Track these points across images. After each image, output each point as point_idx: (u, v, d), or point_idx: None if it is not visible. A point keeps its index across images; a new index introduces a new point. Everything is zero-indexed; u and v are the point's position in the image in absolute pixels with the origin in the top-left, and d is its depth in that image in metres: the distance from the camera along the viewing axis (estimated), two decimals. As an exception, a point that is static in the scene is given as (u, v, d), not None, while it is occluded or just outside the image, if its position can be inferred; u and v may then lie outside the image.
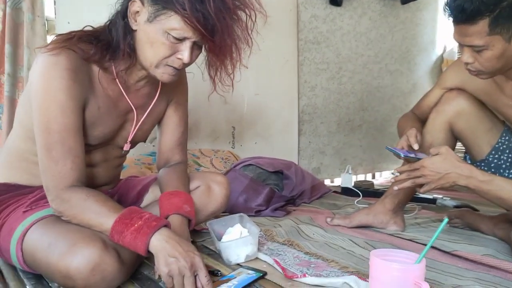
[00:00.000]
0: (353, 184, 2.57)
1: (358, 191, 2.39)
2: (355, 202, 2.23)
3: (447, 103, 1.61)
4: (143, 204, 1.44)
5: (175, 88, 1.40)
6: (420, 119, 1.72)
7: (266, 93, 2.59)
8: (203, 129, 2.37)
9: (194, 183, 1.42)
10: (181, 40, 1.09)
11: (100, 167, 1.32)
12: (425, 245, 1.48)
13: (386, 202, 1.72)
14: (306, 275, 1.18)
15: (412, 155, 1.41)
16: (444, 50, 3.51)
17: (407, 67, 3.30)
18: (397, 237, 1.64)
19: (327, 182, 2.94)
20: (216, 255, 1.39)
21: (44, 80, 1.08)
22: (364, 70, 3.06)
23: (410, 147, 1.46)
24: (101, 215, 1.07)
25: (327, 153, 2.91)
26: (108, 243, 1.05)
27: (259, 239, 1.43)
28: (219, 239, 1.38)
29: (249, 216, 1.90)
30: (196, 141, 2.34)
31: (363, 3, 2.98)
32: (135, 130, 1.32)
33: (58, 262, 1.01)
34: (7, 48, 1.86)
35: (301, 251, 1.42)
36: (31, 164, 1.21)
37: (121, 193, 1.46)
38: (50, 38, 1.99)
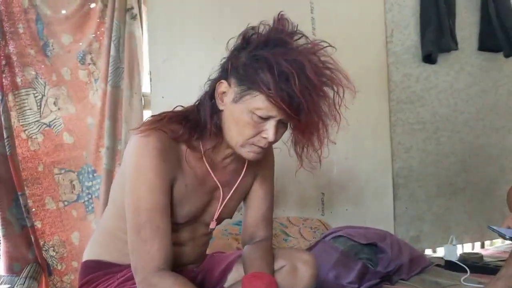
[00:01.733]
0: (458, 256, 2.30)
1: (464, 266, 2.14)
2: (462, 280, 1.98)
3: None
4: (227, 284, 1.39)
5: (261, 162, 1.38)
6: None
7: (357, 156, 2.48)
8: (290, 195, 2.31)
9: (279, 263, 1.34)
10: (266, 119, 1.08)
11: (187, 246, 1.31)
12: None
13: (498, 286, 1.50)
14: None
15: None
16: (559, 103, 3.15)
17: (516, 124, 3.00)
18: (516, 330, 1.41)
19: (428, 252, 2.68)
20: None
21: (136, 160, 1.11)
22: (465, 128, 2.83)
23: None
24: None
25: (427, 219, 2.67)
26: None
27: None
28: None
29: (340, 294, 1.78)
30: (284, 208, 2.28)
31: (460, 59, 2.80)
32: (222, 207, 1.30)
33: None
34: (106, 123, 2.00)
35: None
36: (121, 242, 1.23)
37: (206, 271, 1.43)
38: (146, 113, 2.11)
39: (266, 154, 1.37)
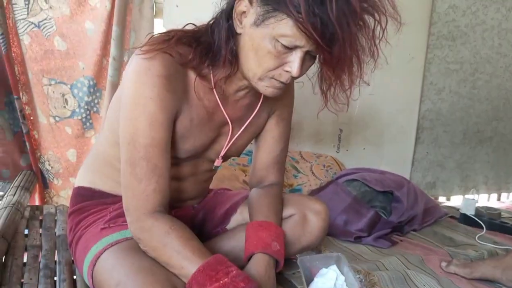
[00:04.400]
0: (475, 210, 2.17)
1: (480, 222, 2.02)
2: (477, 237, 1.87)
3: None
4: (230, 225, 1.28)
5: (279, 99, 1.21)
6: None
7: (383, 93, 2.27)
8: (306, 128, 2.15)
9: (288, 210, 1.23)
10: (291, 49, 0.91)
11: (187, 181, 1.20)
12: None
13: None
14: None
15: None
16: None
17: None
18: (534, 307, 1.31)
19: (442, 199, 2.57)
20: (305, 298, 1.19)
21: (135, 87, 0.95)
22: (505, 73, 2.57)
23: None
24: (183, 256, 0.92)
25: (447, 166, 2.52)
26: None
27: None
28: (310, 279, 1.19)
29: (347, 241, 1.69)
30: (298, 141, 2.13)
31: (515, -6, 2.48)
32: (229, 145, 1.16)
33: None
34: (114, 30, 1.78)
35: (408, 314, 1.17)
36: (116, 171, 1.10)
37: (208, 210, 1.32)
38: (157, 21, 1.89)
39: (286, 90, 1.21)
